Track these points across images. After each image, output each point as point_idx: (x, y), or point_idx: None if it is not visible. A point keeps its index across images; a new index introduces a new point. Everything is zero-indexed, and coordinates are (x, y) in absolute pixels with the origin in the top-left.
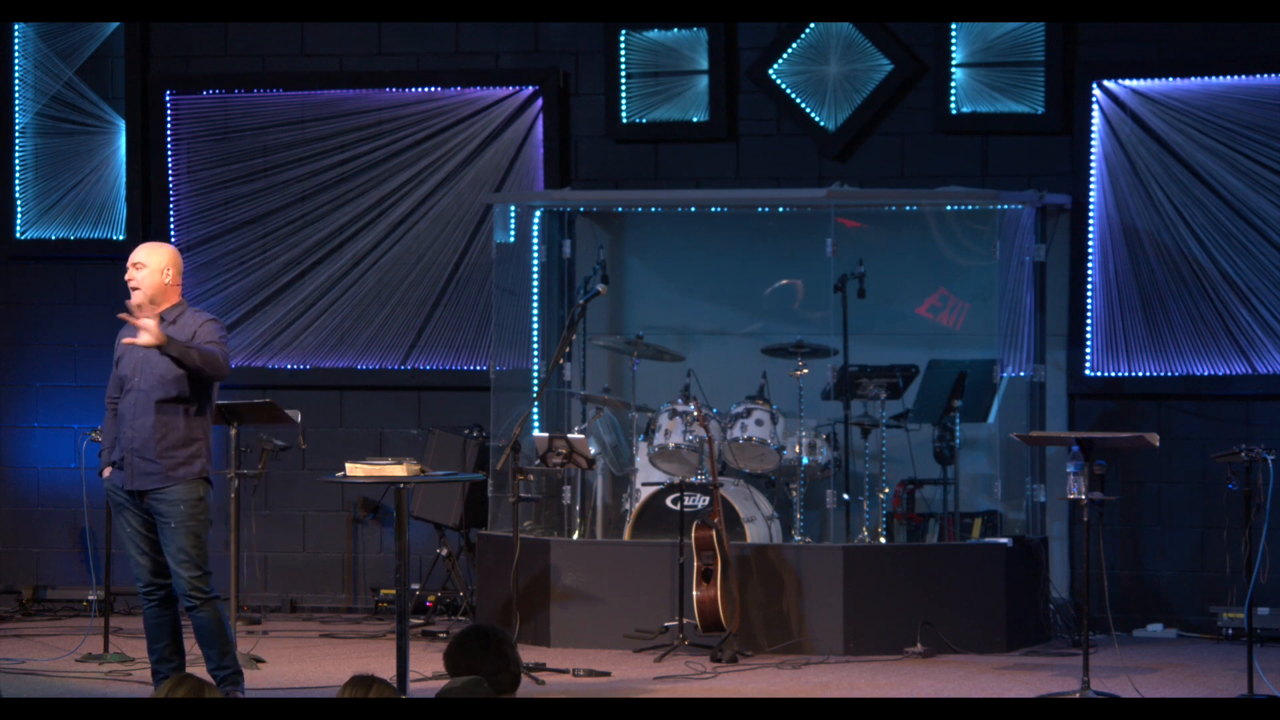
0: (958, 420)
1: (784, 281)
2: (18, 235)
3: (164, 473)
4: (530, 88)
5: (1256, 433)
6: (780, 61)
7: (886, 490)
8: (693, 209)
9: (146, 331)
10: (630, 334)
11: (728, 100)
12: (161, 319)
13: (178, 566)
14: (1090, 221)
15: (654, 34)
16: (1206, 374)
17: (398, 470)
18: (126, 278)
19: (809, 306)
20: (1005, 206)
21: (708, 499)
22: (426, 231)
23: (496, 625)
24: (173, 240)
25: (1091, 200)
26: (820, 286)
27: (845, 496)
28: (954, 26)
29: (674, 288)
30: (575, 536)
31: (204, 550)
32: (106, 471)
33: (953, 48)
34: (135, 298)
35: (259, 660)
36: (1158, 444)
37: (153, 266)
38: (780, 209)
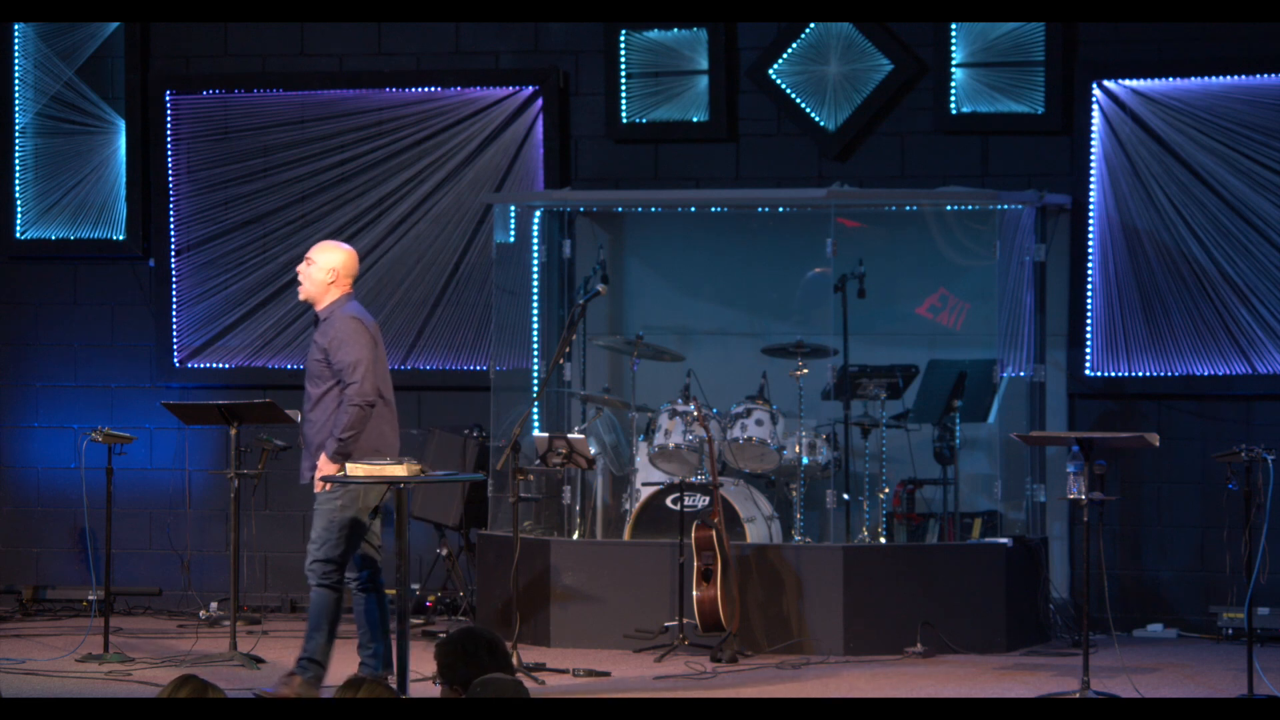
0: (958, 420)
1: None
2: (18, 235)
3: None
4: (530, 88)
5: (1256, 433)
6: (780, 61)
7: (886, 490)
8: (693, 209)
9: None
10: (630, 334)
11: (728, 100)
12: (317, 320)
13: None
14: (1090, 221)
15: (654, 34)
16: (1206, 374)
17: (398, 470)
18: (297, 269)
19: (809, 306)
20: (1005, 206)
21: (708, 499)
22: (426, 231)
23: (488, 629)
24: (172, 240)
25: (1091, 200)
26: (820, 286)
27: (845, 496)
28: (954, 26)
29: (674, 288)
30: (575, 536)
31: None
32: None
33: (953, 48)
34: (299, 293)
35: (259, 660)
36: (1158, 444)
37: (320, 265)
38: (780, 209)
